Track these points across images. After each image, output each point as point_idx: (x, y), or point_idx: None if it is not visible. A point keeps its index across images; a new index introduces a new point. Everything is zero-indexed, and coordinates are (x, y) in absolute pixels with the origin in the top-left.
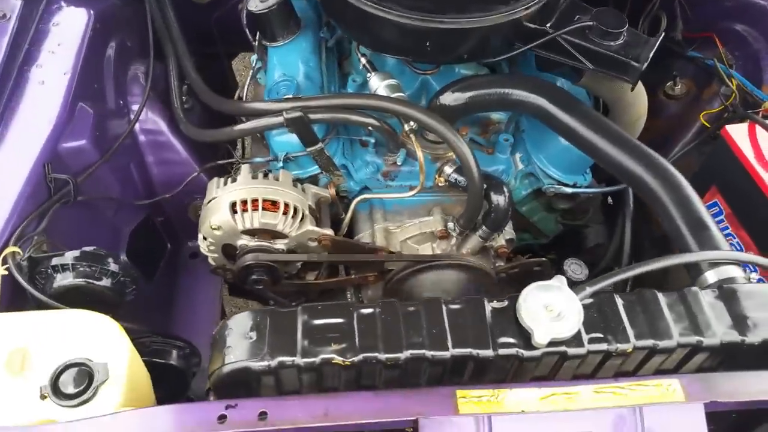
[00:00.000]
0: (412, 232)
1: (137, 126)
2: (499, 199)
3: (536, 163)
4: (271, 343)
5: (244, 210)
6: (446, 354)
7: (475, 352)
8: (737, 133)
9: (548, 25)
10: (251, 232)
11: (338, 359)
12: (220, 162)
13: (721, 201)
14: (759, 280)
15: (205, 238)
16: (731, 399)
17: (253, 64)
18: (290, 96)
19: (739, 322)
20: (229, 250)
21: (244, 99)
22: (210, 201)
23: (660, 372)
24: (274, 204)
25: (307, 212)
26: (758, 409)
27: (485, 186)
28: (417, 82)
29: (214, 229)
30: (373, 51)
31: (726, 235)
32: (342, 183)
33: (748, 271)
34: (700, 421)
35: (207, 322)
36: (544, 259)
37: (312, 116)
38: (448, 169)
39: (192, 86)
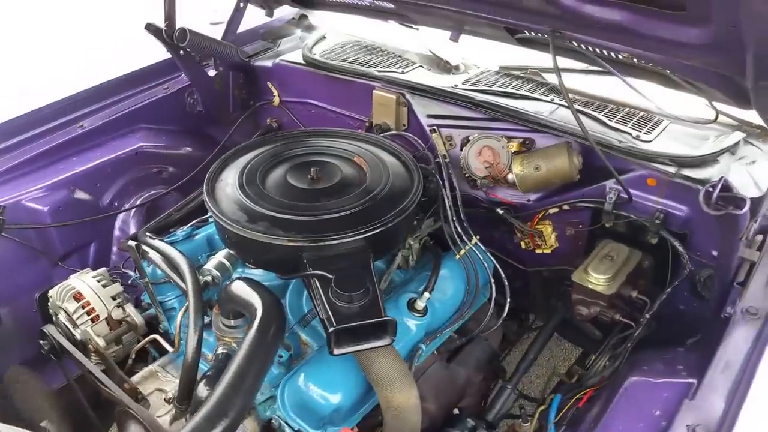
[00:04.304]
0: (166, 387)
1: (117, 223)
2: (203, 392)
3: (279, 388)
4: None
5: (64, 290)
6: None
7: None
8: None
9: (312, 265)
10: (67, 312)
11: None
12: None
13: None
14: None
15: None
16: None
17: None
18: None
19: None
20: None
21: None
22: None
23: None
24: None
25: (102, 319)
26: None
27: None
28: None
29: (50, 294)
30: None
31: None
32: (162, 321)
33: None
34: None
35: None
36: None
37: (147, 254)
38: (219, 349)
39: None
